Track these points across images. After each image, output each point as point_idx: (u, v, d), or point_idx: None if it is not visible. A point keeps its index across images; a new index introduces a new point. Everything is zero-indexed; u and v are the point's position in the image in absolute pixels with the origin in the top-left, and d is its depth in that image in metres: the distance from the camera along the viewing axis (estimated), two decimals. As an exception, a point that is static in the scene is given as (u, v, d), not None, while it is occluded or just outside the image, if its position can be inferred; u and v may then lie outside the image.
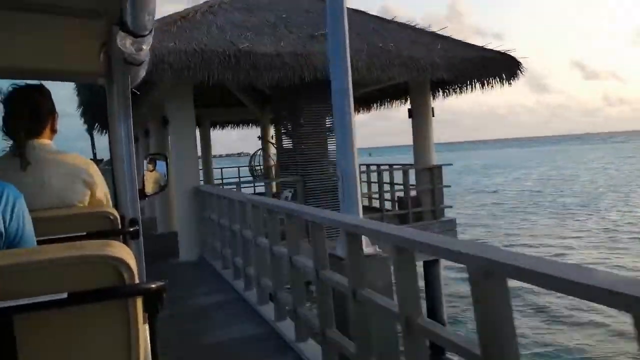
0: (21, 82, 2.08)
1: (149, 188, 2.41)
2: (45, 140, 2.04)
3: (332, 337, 3.59)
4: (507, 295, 1.86)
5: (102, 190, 2.12)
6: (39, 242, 1.38)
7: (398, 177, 10.76)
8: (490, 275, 1.88)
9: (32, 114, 1.99)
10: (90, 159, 2.44)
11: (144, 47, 1.73)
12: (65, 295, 0.99)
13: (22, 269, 1.02)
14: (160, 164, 2.51)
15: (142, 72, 2.16)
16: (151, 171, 2.44)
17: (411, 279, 2.57)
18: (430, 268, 10.22)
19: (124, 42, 1.66)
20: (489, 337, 1.91)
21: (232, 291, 6.38)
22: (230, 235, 6.69)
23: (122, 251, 1.08)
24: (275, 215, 4.95)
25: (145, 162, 2.47)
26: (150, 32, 1.63)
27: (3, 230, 1.18)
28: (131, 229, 1.98)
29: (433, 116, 10.95)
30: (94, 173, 2.09)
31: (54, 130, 2.09)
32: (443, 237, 2.67)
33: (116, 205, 2.24)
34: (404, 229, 3.06)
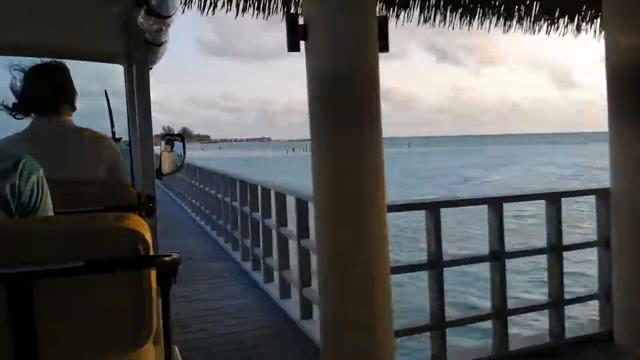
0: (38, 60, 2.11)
1: (166, 168, 2.46)
2: (65, 117, 2.07)
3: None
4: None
5: (120, 167, 2.17)
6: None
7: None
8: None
9: (53, 90, 2.03)
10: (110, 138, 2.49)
11: (165, 27, 1.74)
12: (81, 263, 1.03)
13: (41, 237, 1.06)
14: (177, 145, 2.56)
15: (162, 53, 2.18)
16: (169, 152, 2.49)
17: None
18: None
19: (146, 23, 1.67)
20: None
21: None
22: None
23: (138, 224, 1.11)
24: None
25: (162, 142, 2.51)
26: (174, 12, 1.64)
27: (14, 200, 1.18)
28: (147, 206, 2.03)
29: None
30: (113, 149, 2.13)
31: (73, 108, 2.12)
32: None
33: (133, 183, 2.30)
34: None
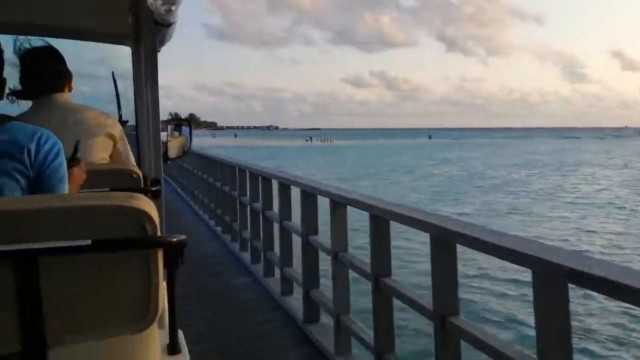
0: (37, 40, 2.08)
1: (172, 153, 2.46)
2: (64, 97, 2.07)
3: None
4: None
5: (124, 145, 2.17)
6: None
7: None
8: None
9: (54, 71, 2.03)
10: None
11: (174, 7, 1.73)
12: (89, 242, 1.02)
13: (49, 214, 1.05)
14: (184, 130, 2.55)
15: (170, 35, 2.16)
16: (176, 137, 2.49)
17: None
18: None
19: (155, 2, 1.67)
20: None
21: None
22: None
23: (145, 204, 1.10)
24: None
25: (169, 127, 2.50)
26: None
27: (29, 164, 1.24)
28: (153, 189, 2.04)
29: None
30: (116, 127, 2.13)
31: (70, 89, 2.13)
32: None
33: (140, 165, 2.29)
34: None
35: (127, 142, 2.19)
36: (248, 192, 6.05)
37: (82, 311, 1.08)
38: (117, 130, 2.13)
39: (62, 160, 1.31)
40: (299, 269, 4.31)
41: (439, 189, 24.53)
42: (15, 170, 1.22)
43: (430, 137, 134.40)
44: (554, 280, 1.69)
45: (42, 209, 1.05)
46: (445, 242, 2.27)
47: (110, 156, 2.12)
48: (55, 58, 2.05)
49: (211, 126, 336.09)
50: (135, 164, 2.22)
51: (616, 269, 1.63)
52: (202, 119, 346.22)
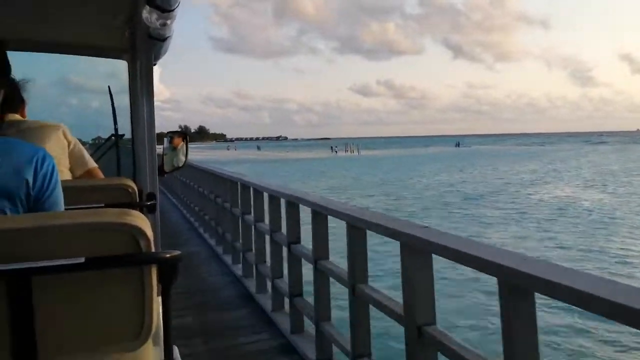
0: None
1: (168, 166, 2.47)
2: (19, 116, 2.17)
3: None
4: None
5: (80, 149, 2.24)
6: None
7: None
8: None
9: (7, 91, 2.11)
10: (112, 135, 2.54)
11: (170, 22, 1.75)
12: (82, 259, 1.03)
13: (42, 232, 1.05)
14: (171, 146, 2.56)
15: (166, 49, 2.18)
16: (172, 151, 2.50)
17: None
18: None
19: (150, 17, 1.69)
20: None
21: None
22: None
23: (140, 220, 1.10)
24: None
25: (165, 140, 2.52)
26: (177, 6, 1.64)
27: (33, 185, 1.23)
28: (148, 203, 2.03)
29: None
30: (67, 132, 2.20)
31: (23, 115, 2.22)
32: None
33: (135, 179, 2.30)
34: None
35: (81, 145, 2.25)
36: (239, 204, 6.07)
37: (76, 330, 1.08)
38: (68, 135, 2.20)
39: (58, 180, 1.30)
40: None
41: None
42: (14, 195, 1.19)
43: (458, 144, 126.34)
44: (521, 290, 1.71)
45: (35, 228, 1.06)
46: (420, 251, 2.34)
47: (69, 153, 2.18)
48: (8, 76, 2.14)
49: (220, 138, 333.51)
50: (130, 179, 2.22)
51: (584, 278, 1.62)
52: (211, 131, 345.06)
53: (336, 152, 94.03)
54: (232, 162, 54.60)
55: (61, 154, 2.14)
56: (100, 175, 2.33)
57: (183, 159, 2.52)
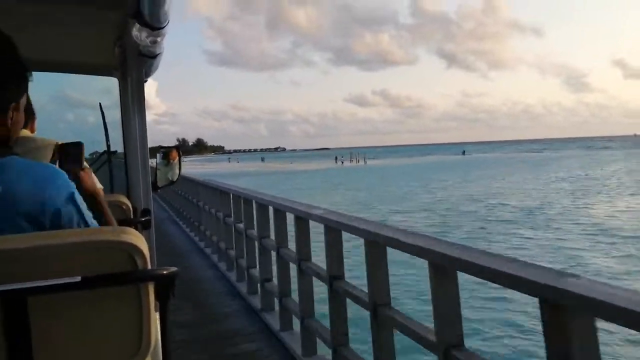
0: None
1: (161, 181, 2.46)
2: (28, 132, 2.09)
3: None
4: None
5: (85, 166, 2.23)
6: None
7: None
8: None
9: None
10: (104, 151, 2.53)
11: (160, 39, 1.75)
12: (78, 279, 1.02)
13: (38, 252, 1.04)
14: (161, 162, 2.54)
15: (157, 66, 2.20)
16: (166, 166, 2.49)
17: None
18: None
19: (140, 35, 1.70)
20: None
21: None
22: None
23: (135, 238, 1.10)
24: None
25: (158, 155, 2.52)
26: (167, 24, 1.64)
27: (47, 208, 1.14)
28: (143, 219, 2.03)
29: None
30: None
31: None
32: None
33: (129, 196, 2.30)
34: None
35: (88, 165, 2.23)
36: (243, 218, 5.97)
37: (73, 349, 1.07)
38: None
39: (76, 199, 1.19)
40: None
41: None
42: (33, 215, 1.11)
43: (464, 152, 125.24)
44: (576, 312, 1.55)
45: (30, 248, 1.04)
46: (445, 269, 2.20)
47: None
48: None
49: (218, 150, 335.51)
50: (124, 195, 2.22)
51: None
52: (209, 144, 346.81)
53: (342, 162, 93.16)
54: (238, 175, 53.52)
55: None
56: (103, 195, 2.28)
57: (177, 173, 2.50)
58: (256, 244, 5.32)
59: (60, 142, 1.71)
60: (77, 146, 1.60)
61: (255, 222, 5.40)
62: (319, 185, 41.25)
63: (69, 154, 1.58)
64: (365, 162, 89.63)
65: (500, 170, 52.74)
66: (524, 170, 51.50)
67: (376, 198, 29.39)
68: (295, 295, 4.31)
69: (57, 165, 1.47)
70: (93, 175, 2.22)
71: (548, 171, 48.10)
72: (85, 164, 1.65)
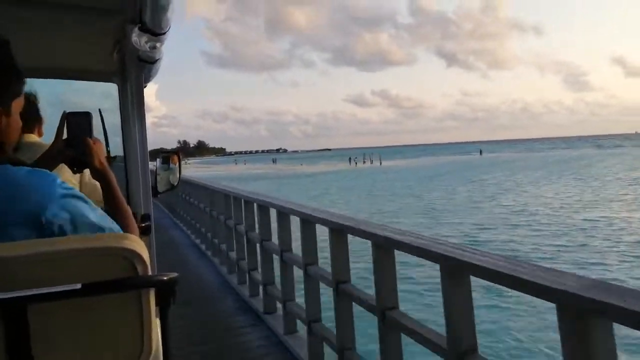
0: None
1: (161, 186, 2.45)
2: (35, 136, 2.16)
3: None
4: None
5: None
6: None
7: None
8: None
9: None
10: (105, 157, 2.51)
11: (159, 45, 1.76)
12: (79, 286, 1.01)
13: (37, 259, 1.04)
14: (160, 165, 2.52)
15: (156, 71, 2.20)
16: (166, 170, 2.48)
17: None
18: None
19: (139, 40, 1.69)
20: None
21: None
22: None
23: (136, 244, 1.10)
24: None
25: (158, 160, 2.51)
26: (168, 30, 1.64)
27: (52, 216, 1.11)
28: (143, 225, 2.02)
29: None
30: None
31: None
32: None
33: (129, 201, 2.29)
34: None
35: None
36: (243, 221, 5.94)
37: (74, 356, 1.07)
38: None
39: (83, 202, 1.18)
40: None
41: None
42: (39, 223, 1.09)
43: (481, 152, 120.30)
44: (595, 318, 1.52)
45: (29, 255, 1.04)
46: (456, 273, 2.16)
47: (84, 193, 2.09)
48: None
49: (220, 152, 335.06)
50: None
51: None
52: (210, 145, 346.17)
53: (356, 163, 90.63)
54: (248, 178, 51.01)
55: (75, 184, 2.12)
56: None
57: (177, 177, 2.49)
58: (257, 246, 5.29)
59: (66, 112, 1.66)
60: (87, 115, 1.51)
61: (256, 225, 5.36)
62: (349, 190, 36.39)
63: (77, 123, 1.47)
64: (380, 164, 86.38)
65: (548, 170, 46.78)
66: (571, 170, 45.32)
67: (437, 207, 23.85)
68: (298, 299, 4.29)
69: (65, 133, 1.44)
70: (97, 184, 2.19)
71: (606, 173, 40.97)
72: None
